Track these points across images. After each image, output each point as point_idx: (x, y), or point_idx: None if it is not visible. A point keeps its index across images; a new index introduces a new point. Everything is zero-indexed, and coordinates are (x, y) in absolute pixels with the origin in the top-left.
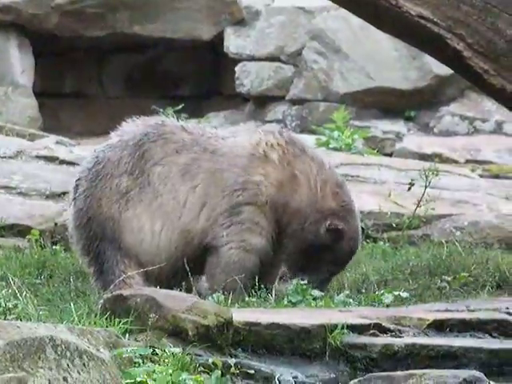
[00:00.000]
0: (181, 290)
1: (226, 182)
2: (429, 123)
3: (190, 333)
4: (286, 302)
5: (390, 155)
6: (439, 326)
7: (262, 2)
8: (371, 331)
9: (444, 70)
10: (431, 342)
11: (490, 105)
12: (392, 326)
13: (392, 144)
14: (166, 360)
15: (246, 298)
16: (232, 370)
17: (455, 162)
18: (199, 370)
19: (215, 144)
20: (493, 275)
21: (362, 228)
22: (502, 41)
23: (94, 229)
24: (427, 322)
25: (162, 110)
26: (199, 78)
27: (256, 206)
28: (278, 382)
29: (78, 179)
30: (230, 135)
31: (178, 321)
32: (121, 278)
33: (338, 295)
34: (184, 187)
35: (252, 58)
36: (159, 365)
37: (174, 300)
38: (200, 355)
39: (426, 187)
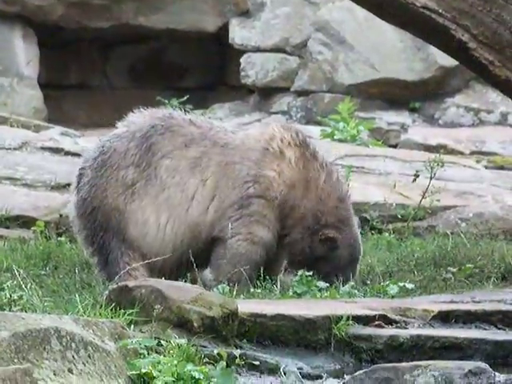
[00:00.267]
0: (186, 282)
1: (237, 174)
2: (434, 114)
3: (195, 324)
4: (291, 293)
5: (395, 146)
6: (444, 318)
7: None
8: (376, 322)
9: (449, 62)
10: (436, 334)
11: (494, 96)
12: (397, 318)
13: (397, 135)
14: (171, 351)
15: (252, 290)
16: (237, 361)
17: (460, 153)
18: (204, 361)
19: (225, 138)
20: (498, 266)
21: (367, 219)
22: (507, 32)
23: (98, 219)
24: (432, 314)
25: (166, 101)
26: (204, 69)
27: (266, 199)
28: (283, 373)
29: (82, 168)
30: (238, 129)
31: (183, 312)
32: (125, 270)
33: (343, 286)
34: (193, 180)
35: (257, 50)
36: (164, 356)
37: (179, 291)
38: (205, 346)
39: (431, 178)
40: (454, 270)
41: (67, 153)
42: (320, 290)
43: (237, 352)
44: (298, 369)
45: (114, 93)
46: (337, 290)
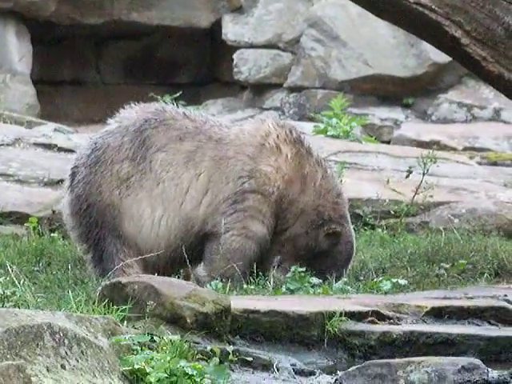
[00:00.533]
0: (179, 278)
1: (231, 169)
2: (427, 110)
3: (189, 320)
4: (284, 290)
5: (388, 142)
6: (437, 314)
7: None
8: (369, 318)
9: (442, 58)
10: (429, 330)
11: (487, 92)
12: (390, 314)
13: (390, 131)
14: (164, 347)
15: (245, 286)
16: (230, 357)
17: (453, 149)
18: (197, 357)
19: (220, 132)
20: (491, 262)
21: (360, 215)
22: (500, 28)
23: (93, 216)
24: (425, 310)
25: (159, 96)
26: (197, 65)
27: (262, 194)
28: (276, 369)
29: (75, 166)
30: (233, 124)
31: (176, 308)
32: (118, 266)
33: (336, 282)
34: (187, 174)
35: (250, 46)
36: (157, 352)
37: (173, 287)
38: (198, 343)
39: (423, 174)
40: (447, 265)
41: (60, 149)
42: (313, 286)
43: (230, 348)
44: (291, 365)
45: (107, 89)
46: (330, 287)
